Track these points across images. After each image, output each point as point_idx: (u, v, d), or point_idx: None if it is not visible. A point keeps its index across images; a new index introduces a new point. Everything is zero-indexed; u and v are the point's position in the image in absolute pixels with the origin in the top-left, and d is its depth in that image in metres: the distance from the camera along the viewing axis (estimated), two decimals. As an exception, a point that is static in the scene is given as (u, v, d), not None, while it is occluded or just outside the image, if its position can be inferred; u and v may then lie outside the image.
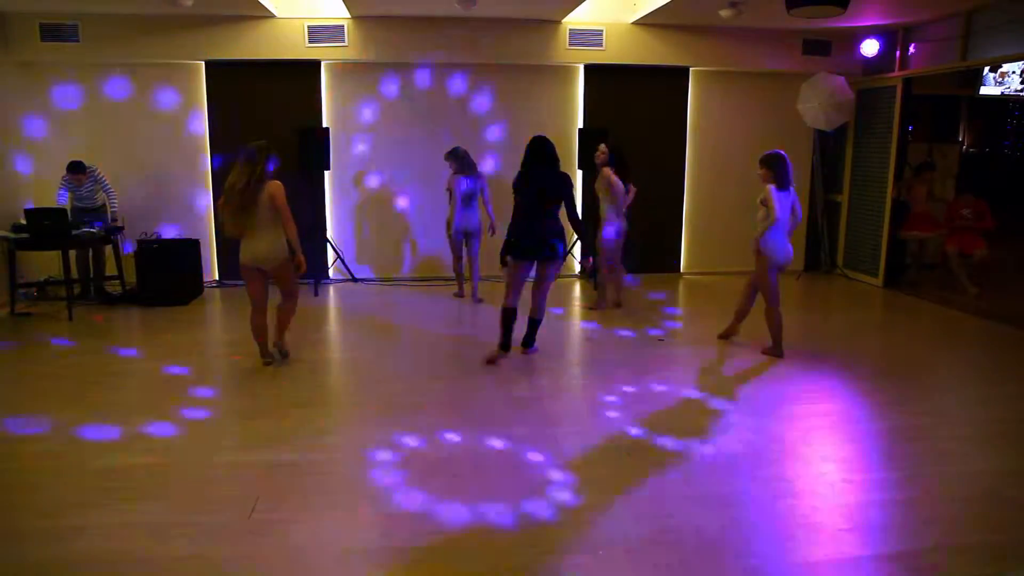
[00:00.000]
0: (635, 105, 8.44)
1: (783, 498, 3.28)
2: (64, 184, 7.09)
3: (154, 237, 7.41)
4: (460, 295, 7.54)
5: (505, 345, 5.25)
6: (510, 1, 7.07)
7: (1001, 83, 10.64)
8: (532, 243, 5.04)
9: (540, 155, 5.04)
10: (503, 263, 5.14)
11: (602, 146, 6.67)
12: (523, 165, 5.10)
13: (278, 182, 4.86)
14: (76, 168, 6.95)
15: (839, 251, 9.07)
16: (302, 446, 3.80)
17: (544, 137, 5.12)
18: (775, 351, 5.45)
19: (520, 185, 5.06)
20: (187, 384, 4.82)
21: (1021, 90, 10.67)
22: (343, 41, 7.74)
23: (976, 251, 7.80)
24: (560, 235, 5.10)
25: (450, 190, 7.14)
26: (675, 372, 5.14)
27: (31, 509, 3.15)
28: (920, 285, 8.20)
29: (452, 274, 7.62)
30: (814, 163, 9.03)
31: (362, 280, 8.37)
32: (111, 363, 5.34)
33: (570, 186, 5.13)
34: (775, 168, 5.25)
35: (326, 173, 8.12)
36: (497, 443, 3.85)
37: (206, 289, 7.91)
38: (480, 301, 7.27)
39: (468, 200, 7.02)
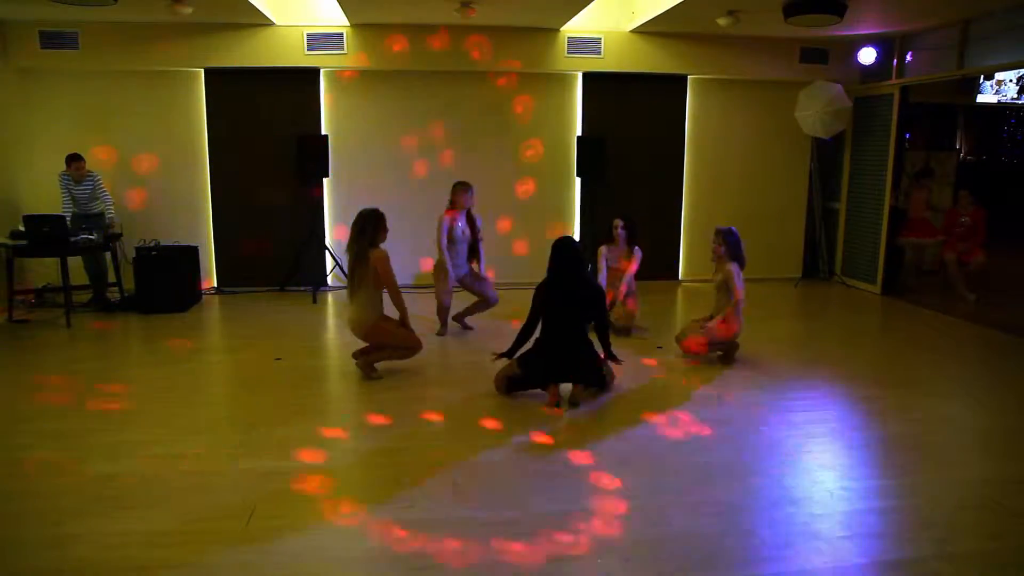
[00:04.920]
0: (634, 113, 8.48)
1: (781, 505, 3.28)
2: (63, 184, 7.07)
3: (153, 244, 7.41)
4: (443, 333, 6.36)
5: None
6: (509, 9, 7.09)
7: (998, 91, 10.70)
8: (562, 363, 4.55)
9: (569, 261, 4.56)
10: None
11: (618, 221, 6.22)
12: (550, 272, 4.61)
13: (383, 251, 4.83)
14: (75, 156, 7.00)
15: (837, 258, 9.08)
16: (300, 454, 3.79)
17: (570, 239, 4.69)
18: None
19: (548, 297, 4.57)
20: (185, 391, 4.83)
21: (1017, 98, 10.74)
22: (342, 49, 7.77)
23: (974, 259, 7.83)
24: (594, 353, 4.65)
25: (446, 229, 6.09)
26: (673, 379, 5.14)
27: (29, 517, 3.14)
28: (918, 292, 8.21)
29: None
30: (812, 171, 9.06)
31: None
32: (109, 370, 5.33)
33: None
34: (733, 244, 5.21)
35: (325, 181, 8.13)
36: (497, 450, 3.85)
37: (205, 296, 7.90)
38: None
39: (465, 242, 6.23)
